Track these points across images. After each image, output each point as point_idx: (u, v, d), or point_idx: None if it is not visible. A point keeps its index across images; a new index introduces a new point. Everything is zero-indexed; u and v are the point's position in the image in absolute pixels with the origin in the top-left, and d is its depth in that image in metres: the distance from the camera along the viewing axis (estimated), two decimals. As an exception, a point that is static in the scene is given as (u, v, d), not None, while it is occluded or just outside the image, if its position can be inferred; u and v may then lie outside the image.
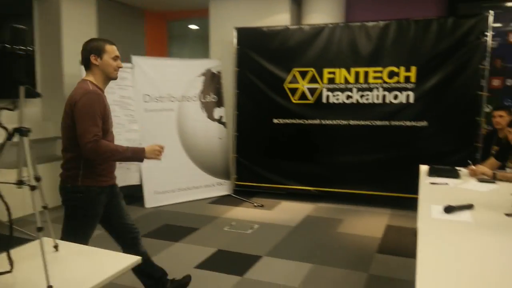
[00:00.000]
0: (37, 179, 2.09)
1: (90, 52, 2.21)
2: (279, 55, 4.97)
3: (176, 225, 4.18)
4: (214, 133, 5.27)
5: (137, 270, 2.41)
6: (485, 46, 4.20)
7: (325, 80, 4.79)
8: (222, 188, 5.27)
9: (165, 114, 5.02)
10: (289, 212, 4.59)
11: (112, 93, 4.71)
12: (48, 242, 1.66)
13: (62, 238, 2.16)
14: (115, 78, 2.31)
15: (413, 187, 2.97)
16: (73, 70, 4.83)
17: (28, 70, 2.02)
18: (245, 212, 4.59)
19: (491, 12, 4.18)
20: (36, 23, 5.03)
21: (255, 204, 4.84)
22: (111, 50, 2.24)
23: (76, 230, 2.24)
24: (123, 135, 4.78)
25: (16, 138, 1.88)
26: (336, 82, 4.74)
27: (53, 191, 4.87)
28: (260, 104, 5.09)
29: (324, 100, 4.80)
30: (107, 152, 2.12)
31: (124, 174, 4.78)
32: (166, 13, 6.81)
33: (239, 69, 5.17)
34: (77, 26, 5.07)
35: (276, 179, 5.07)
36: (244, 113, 5.19)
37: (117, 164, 4.25)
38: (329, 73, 4.76)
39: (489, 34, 4.20)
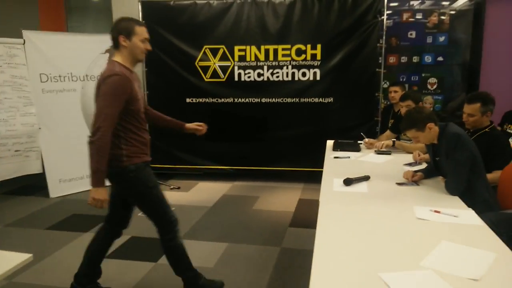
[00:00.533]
0: None
1: (119, 33, 2.18)
2: (188, 32, 4.82)
3: (85, 215, 3.95)
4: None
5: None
6: (382, 25, 4.51)
7: (236, 58, 4.78)
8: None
9: (67, 94, 4.64)
10: (206, 192, 4.60)
11: (1, 72, 4.21)
12: None
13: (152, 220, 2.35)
14: (142, 61, 2.30)
15: (323, 161, 3.14)
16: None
17: None
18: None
19: (387, -8, 4.48)
20: None
21: (171, 187, 4.77)
22: (141, 31, 2.21)
23: (148, 202, 2.34)
24: (18, 119, 4.34)
25: None
26: (247, 59, 4.76)
27: None
28: (171, 83, 4.94)
29: (236, 78, 4.80)
30: (96, 150, 2.12)
31: (22, 163, 4.37)
32: (61, -18, 6.17)
33: (147, 46, 4.92)
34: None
35: (192, 160, 5.03)
36: (156, 92, 5.00)
37: (13, 152, 3.90)
38: (240, 50, 4.76)
39: (385, 13, 4.50)
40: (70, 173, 4.59)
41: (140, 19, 4.85)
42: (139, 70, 5.01)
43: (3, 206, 4.24)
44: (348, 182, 2.49)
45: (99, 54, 4.85)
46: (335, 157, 3.19)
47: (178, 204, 4.16)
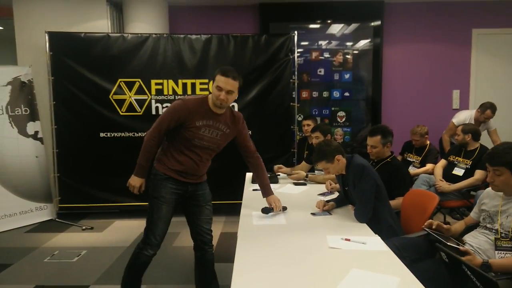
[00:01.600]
0: None
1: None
2: (101, 64, 4.67)
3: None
4: (29, 151, 4.61)
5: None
6: (294, 62, 4.80)
7: (153, 91, 4.72)
8: (43, 213, 4.65)
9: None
10: (122, 231, 4.35)
11: None
12: None
13: None
14: (218, 106, 2.38)
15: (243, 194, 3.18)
16: None
17: None
18: (71, 238, 4.16)
19: (296, 32, 4.81)
20: None
21: (83, 227, 4.43)
22: (217, 79, 2.34)
23: (149, 209, 2.54)
24: None
25: None
26: (164, 93, 4.72)
27: None
28: (83, 117, 4.69)
29: (153, 111, 4.72)
30: (142, 146, 2.51)
31: None
32: (-45, 8, 5.63)
33: (55, 78, 4.65)
34: None
35: (107, 197, 4.74)
36: (65, 127, 4.70)
37: None
38: (157, 84, 4.71)
39: (296, 51, 4.81)
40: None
41: (47, 51, 4.61)
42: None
43: None
44: (266, 210, 2.56)
45: (0, 86, 4.46)
46: (254, 190, 3.24)
47: (91, 247, 3.87)
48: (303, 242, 2.10)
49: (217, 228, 4.42)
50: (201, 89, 4.72)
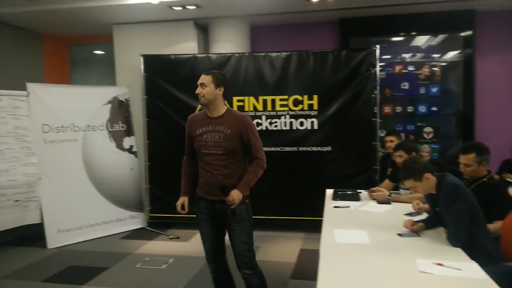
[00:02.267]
0: None
1: None
2: (188, 83, 4.92)
3: (82, 266, 3.88)
4: (125, 163, 5.05)
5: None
6: (375, 76, 4.68)
7: (235, 108, 4.89)
8: (135, 221, 5.04)
9: (68, 145, 4.69)
10: (204, 242, 4.54)
11: (5, 124, 4.31)
12: None
13: None
14: (202, 104, 2.60)
15: (323, 210, 3.15)
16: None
17: None
18: (159, 246, 4.44)
19: (378, 46, 4.70)
20: None
21: (170, 237, 4.71)
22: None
23: None
24: (19, 169, 4.38)
25: None
26: (245, 110, 4.88)
27: None
28: (171, 132, 5.03)
29: (235, 127, 4.90)
30: None
31: (22, 213, 4.35)
32: (66, 37, 6.43)
33: (148, 97, 5.07)
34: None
35: (192, 209, 4.98)
36: (156, 142, 5.08)
37: (13, 202, 4.01)
38: (238, 101, 4.89)
39: (377, 65, 4.70)
40: (69, 223, 4.54)
41: (142, 72, 5.04)
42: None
43: (1, 257, 4.16)
44: (225, 190, 2.50)
45: (101, 105, 4.98)
46: (335, 207, 3.20)
47: (177, 255, 4.09)
48: (390, 264, 2.02)
49: (297, 244, 4.41)
50: (281, 105, 4.80)
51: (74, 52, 6.66)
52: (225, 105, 2.65)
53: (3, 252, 4.31)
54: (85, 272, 3.72)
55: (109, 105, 5.05)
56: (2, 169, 4.17)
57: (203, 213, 2.65)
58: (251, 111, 4.86)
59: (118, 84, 5.51)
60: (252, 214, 2.72)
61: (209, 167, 2.55)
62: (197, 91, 2.57)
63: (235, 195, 2.48)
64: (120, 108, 5.12)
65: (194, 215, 4.88)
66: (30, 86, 4.48)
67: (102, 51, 6.63)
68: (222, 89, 2.58)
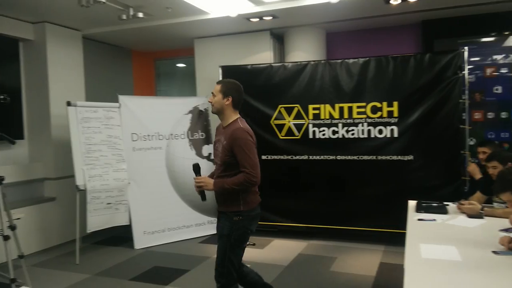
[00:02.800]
0: (12, 228, 2.09)
1: None
2: (264, 92, 5.06)
3: (166, 267, 4.10)
4: (204, 171, 5.23)
5: None
6: (463, 80, 4.35)
7: (311, 116, 4.87)
8: (213, 226, 5.18)
9: (154, 152, 5.03)
10: (281, 250, 4.55)
11: (99, 133, 4.72)
12: None
13: None
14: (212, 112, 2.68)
15: (405, 222, 2.99)
16: (60, 111, 4.85)
17: (2, 117, 2.06)
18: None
19: (466, 48, 4.37)
20: (23, 65, 5.06)
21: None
22: None
23: None
24: (111, 174, 4.75)
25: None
26: (321, 117, 4.83)
27: (40, 233, 4.79)
28: (248, 140, 5.13)
29: (310, 135, 4.87)
30: None
31: (113, 215, 4.72)
32: (153, 52, 6.92)
33: (226, 106, 5.23)
34: (63, 67, 5.12)
35: (268, 216, 5.04)
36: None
37: (105, 205, 4.34)
38: (314, 109, 4.86)
39: (466, 69, 4.36)
40: (154, 225, 4.84)
41: (221, 82, 5.22)
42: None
43: (94, 255, 4.56)
44: (196, 168, 2.59)
45: (183, 115, 5.26)
46: (419, 219, 3.01)
47: (253, 262, 4.14)
48: (485, 284, 1.84)
49: (376, 257, 4.23)
50: (358, 113, 4.67)
51: (159, 65, 7.14)
52: (236, 115, 2.63)
53: (96, 251, 4.72)
54: (168, 273, 3.93)
55: (190, 115, 5.32)
56: (97, 174, 4.58)
57: (217, 224, 2.72)
58: (327, 119, 4.80)
59: (198, 95, 5.79)
60: (240, 235, 2.59)
61: (215, 177, 2.60)
62: (208, 100, 2.66)
63: (205, 180, 2.53)
64: (200, 117, 5.36)
65: (270, 223, 4.98)
66: (122, 98, 4.89)
67: (184, 64, 7.02)
68: (230, 99, 2.55)
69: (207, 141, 5.35)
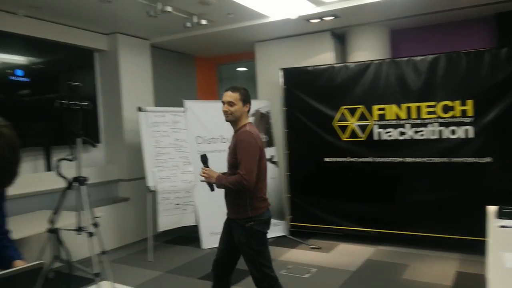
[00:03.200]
0: (95, 225, 2.26)
1: None
2: (326, 94, 5.01)
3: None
4: (268, 173, 5.30)
5: None
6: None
7: (376, 117, 4.74)
8: (277, 228, 5.25)
9: (217, 155, 5.15)
10: (348, 255, 4.46)
11: (167, 136, 4.94)
12: (106, 285, 1.74)
13: None
14: (225, 120, 2.65)
15: (483, 229, 2.81)
16: (131, 116, 5.15)
17: (89, 122, 2.25)
18: (301, 255, 4.52)
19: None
20: (98, 73, 5.44)
21: (311, 246, 4.76)
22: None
23: None
24: (179, 176, 4.96)
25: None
26: (387, 118, 4.67)
27: (116, 231, 5.11)
28: (310, 142, 5.11)
29: (375, 137, 4.73)
30: None
31: (181, 215, 4.91)
32: (215, 58, 7.12)
33: (287, 108, 5.26)
34: (134, 74, 5.43)
35: (333, 220, 4.98)
36: (295, 152, 5.22)
37: (174, 205, 4.47)
38: (379, 109, 4.72)
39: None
40: (220, 227, 4.93)
41: (281, 85, 5.26)
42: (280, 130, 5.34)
43: (165, 254, 4.79)
44: (204, 159, 2.64)
45: (245, 117, 5.34)
46: (501, 226, 2.81)
47: (320, 266, 4.11)
48: None
49: (451, 265, 4.00)
50: (428, 112, 4.46)
51: (221, 70, 7.33)
52: (248, 120, 2.65)
53: (166, 250, 4.95)
54: (235, 273, 4.00)
55: (252, 118, 5.39)
56: (165, 176, 4.80)
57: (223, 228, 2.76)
58: (393, 120, 4.64)
59: (259, 98, 5.86)
60: (259, 240, 2.62)
61: None
62: (224, 109, 2.58)
63: (210, 172, 2.59)
64: (262, 120, 5.42)
65: (336, 226, 4.91)
66: (187, 102, 5.08)
67: (245, 67, 7.15)
68: (248, 106, 2.60)
69: (269, 143, 5.40)
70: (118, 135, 5.31)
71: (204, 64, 7.11)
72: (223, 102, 2.60)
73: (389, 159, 4.66)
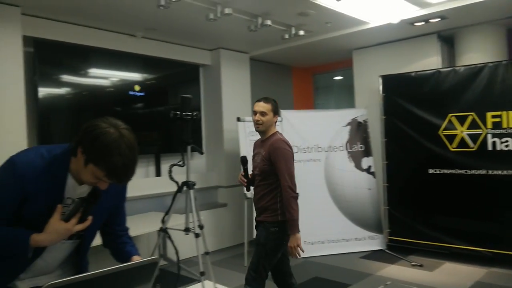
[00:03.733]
0: (201, 227, 2.42)
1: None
2: (431, 101, 4.68)
3: (327, 279, 4.12)
4: (363, 183, 5.14)
5: None
6: None
7: (489, 125, 4.28)
8: (374, 242, 5.02)
9: (313, 164, 5.14)
10: (454, 275, 4.07)
11: (264, 146, 5.07)
12: (208, 285, 1.83)
13: None
14: (256, 129, 2.82)
15: None
16: (231, 126, 5.40)
17: (194, 131, 2.45)
18: (401, 271, 4.25)
19: None
20: (202, 86, 5.83)
21: (412, 263, 4.43)
22: (253, 107, 2.81)
23: None
24: (274, 185, 5.03)
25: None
26: (503, 126, 4.19)
27: (214, 235, 5.39)
28: (412, 152, 4.81)
29: (489, 147, 4.27)
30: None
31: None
32: (311, 68, 7.15)
33: (386, 117, 5.03)
34: (234, 86, 5.71)
35: (436, 236, 4.59)
36: (395, 162, 4.96)
37: None
38: (494, 116, 4.25)
39: None
40: (313, 236, 4.92)
41: (380, 92, 5.05)
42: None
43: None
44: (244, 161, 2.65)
45: (341, 127, 5.25)
46: None
47: (422, 285, 3.81)
48: None
49: None
50: (556, 120, 3.89)
51: (317, 79, 7.32)
52: (275, 129, 2.79)
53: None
54: (328, 285, 3.94)
55: (349, 127, 5.27)
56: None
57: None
58: (511, 128, 4.14)
59: (356, 106, 5.71)
60: (277, 245, 2.69)
61: (255, 188, 2.80)
62: (256, 118, 2.70)
63: (290, 243, 2.62)
64: (359, 129, 5.27)
65: (441, 244, 4.52)
66: (284, 112, 5.17)
67: (341, 76, 7.03)
68: (277, 117, 2.77)
69: (366, 153, 5.22)
70: (218, 144, 5.62)
71: (300, 74, 7.18)
72: (255, 112, 2.73)
73: (505, 172, 4.15)
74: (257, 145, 2.88)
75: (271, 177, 2.67)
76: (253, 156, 2.87)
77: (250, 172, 2.88)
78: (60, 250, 1.45)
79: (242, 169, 2.88)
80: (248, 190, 2.95)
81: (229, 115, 5.53)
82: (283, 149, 2.62)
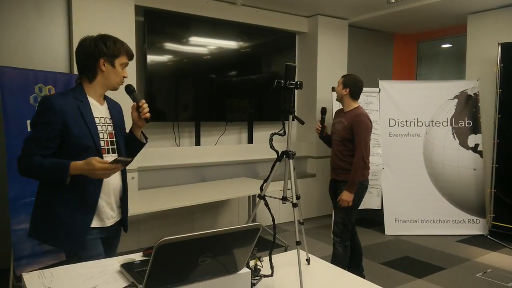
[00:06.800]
0: (298, 197, 2.46)
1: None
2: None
3: (418, 260, 3.94)
4: (467, 163, 4.72)
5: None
6: None
7: None
8: (474, 226, 4.64)
9: (411, 139, 4.85)
10: None
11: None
12: (302, 254, 1.85)
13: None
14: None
15: None
16: (325, 96, 5.30)
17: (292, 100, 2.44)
18: (503, 260, 3.90)
19: None
20: (297, 54, 5.75)
21: (521, 253, 4.05)
22: None
23: None
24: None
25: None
26: None
27: (302, 204, 5.46)
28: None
29: None
30: None
31: (366, 197, 4.84)
32: (416, 35, 6.59)
33: (502, 90, 4.48)
34: (330, 55, 5.53)
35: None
36: (508, 141, 4.44)
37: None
38: None
39: None
40: (406, 214, 4.72)
41: (498, 62, 4.50)
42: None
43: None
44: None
45: (447, 100, 4.83)
46: None
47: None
48: None
49: None
50: None
51: (422, 48, 6.74)
52: (356, 103, 3.15)
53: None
54: (420, 266, 3.77)
55: (456, 100, 4.82)
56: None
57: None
58: None
59: (467, 78, 5.16)
60: (357, 202, 3.09)
61: (333, 150, 3.21)
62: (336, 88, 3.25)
63: (344, 197, 3.01)
64: (467, 104, 4.79)
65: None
66: (382, 83, 4.90)
67: (450, 44, 6.39)
68: (348, 90, 3.11)
69: (474, 130, 4.74)
70: (310, 114, 5.56)
71: (403, 41, 6.67)
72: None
73: None
74: (339, 115, 3.27)
75: (351, 144, 3.05)
76: (333, 124, 3.27)
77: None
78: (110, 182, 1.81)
79: (321, 118, 3.29)
80: (321, 137, 3.38)
81: (324, 84, 5.41)
82: (365, 123, 3.03)
